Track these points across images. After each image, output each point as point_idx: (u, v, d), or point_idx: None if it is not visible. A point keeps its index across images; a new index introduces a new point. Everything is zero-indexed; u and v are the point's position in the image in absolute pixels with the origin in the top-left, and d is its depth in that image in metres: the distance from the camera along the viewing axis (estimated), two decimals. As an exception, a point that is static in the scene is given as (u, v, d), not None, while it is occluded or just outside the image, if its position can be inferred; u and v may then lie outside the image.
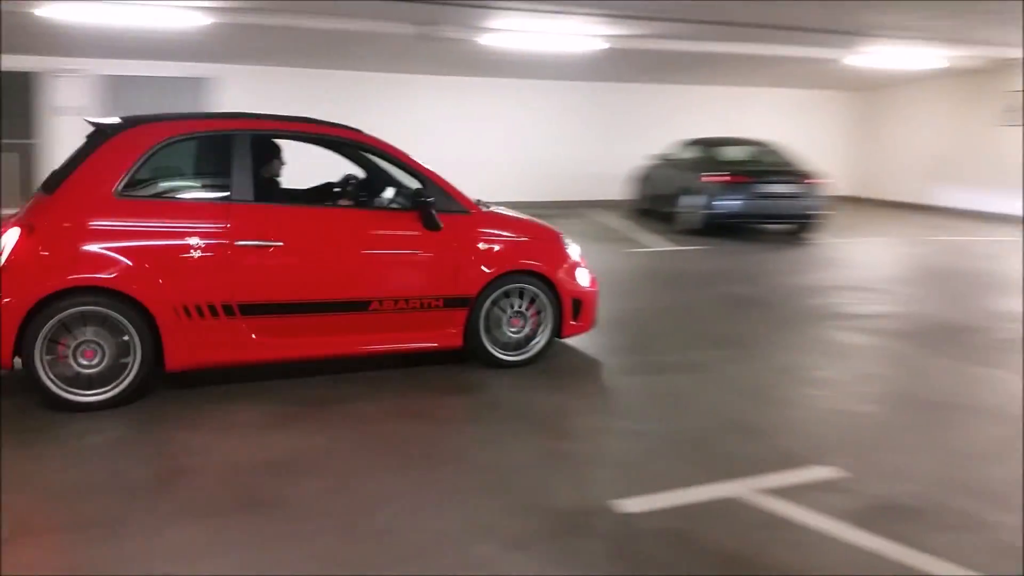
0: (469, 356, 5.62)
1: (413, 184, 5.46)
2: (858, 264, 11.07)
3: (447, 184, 5.42)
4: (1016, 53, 14.95)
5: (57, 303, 4.45)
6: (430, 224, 5.22)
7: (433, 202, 5.22)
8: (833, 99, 20.07)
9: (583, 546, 3.27)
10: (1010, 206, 16.27)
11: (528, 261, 5.56)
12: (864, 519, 3.52)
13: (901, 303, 8.31)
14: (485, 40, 12.94)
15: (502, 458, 4.16)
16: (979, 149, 17.34)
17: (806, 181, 12.90)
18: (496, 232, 5.52)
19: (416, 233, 5.22)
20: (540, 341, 5.67)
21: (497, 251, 5.46)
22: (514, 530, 3.38)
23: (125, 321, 4.57)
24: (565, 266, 5.76)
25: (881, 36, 13.35)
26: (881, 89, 19.42)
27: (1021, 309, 8.01)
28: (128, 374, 4.63)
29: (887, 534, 3.38)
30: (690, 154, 14.18)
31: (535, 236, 5.77)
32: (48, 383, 4.51)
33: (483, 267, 5.39)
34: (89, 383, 4.58)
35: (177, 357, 4.73)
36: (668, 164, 14.68)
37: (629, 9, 11.10)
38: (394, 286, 5.19)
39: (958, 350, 6.44)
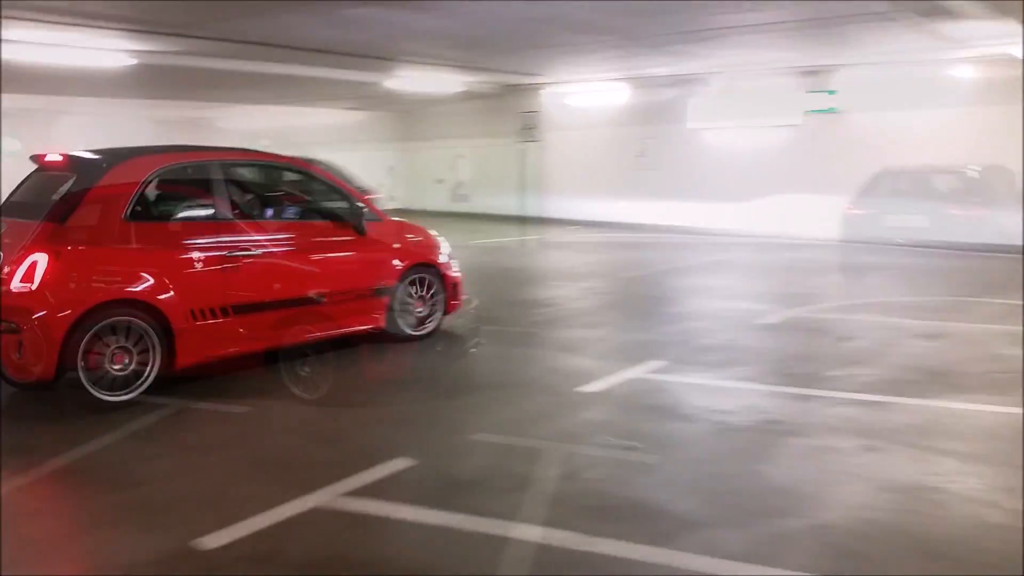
0: (387, 334, 6.67)
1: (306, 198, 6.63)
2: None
3: (364, 198, 6.75)
4: (522, 80, 17.53)
5: (92, 316, 5.02)
6: (359, 230, 6.36)
7: (364, 212, 6.41)
8: (380, 119, 21.38)
9: (164, 595, 3.08)
10: (532, 208, 19.08)
11: (426, 255, 6.93)
12: (436, 499, 3.86)
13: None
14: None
15: (61, 524, 3.69)
16: (504, 161, 19.97)
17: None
18: (401, 234, 6.87)
19: (350, 238, 6.34)
20: (436, 317, 7.05)
21: (404, 249, 6.77)
22: (80, 599, 3.05)
23: (147, 327, 5.23)
24: (446, 258, 7.16)
25: (411, 62, 14.63)
26: (420, 109, 21.21)
27: (544, 296, 9.45)
28: (149, 374, 5.28)
29: (457, 508, 3.76)
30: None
31: (424, 236, 7.15)
32: (90, 388, 5.07)
33: (397, 262, 6.63)
34: (125, 384, 5.20)
35: (187, 355, 5.43)
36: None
37: (160, 25, 10.55)
38: (338, 281, 6.22)
39: (503, 338, 7.38)
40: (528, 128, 19.34)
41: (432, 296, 7.00)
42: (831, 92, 15.19)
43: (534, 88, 18.78)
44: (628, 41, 12.28)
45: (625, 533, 3.51)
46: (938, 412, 5.15)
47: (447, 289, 7.12)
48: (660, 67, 15.38)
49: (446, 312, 7.19)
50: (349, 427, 5.03)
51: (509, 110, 19.49)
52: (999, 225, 12.21)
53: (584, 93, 18.39)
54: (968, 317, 8.03)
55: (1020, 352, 6.56)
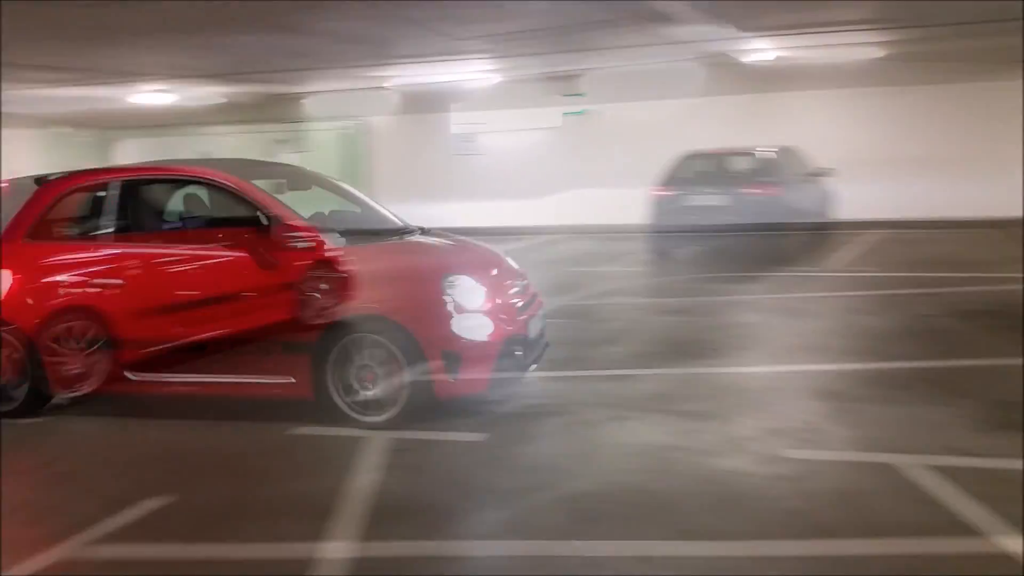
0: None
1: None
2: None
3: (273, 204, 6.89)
4: (282, 90, 17.10)
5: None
6: (268, 233, 6.49)
7: (272, 218, 6.56)
8: (138, 140, 20.04)
9: None
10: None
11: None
12: (198, 532, 3.75)
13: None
14: None
15: None
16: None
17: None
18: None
19: (261, 240, 6.47)
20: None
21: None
22: None
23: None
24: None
25: (161, 76, 13.82)
26: (185, 125, 20.04)
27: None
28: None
29: (219, 538, 3.68)
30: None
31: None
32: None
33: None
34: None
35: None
36: None
37: None
38: (253, 280, 6.30)
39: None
40: (285, 141, 18.87)
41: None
42: (581, 95, 16.17)
43: (297, 97, 18.39)
44: (384, 51, 12.39)
45: (394, 533, 3.59)
46: (678, 378, 5.72)
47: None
48: (424, 75, 15.61)
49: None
50: (91, 468, 4.71)
51: (276, 120, 18.91)
52: (788, 203, 12.62)
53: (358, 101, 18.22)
54: (715, 292, 8.93)
55: (753, 319, 7.41)
